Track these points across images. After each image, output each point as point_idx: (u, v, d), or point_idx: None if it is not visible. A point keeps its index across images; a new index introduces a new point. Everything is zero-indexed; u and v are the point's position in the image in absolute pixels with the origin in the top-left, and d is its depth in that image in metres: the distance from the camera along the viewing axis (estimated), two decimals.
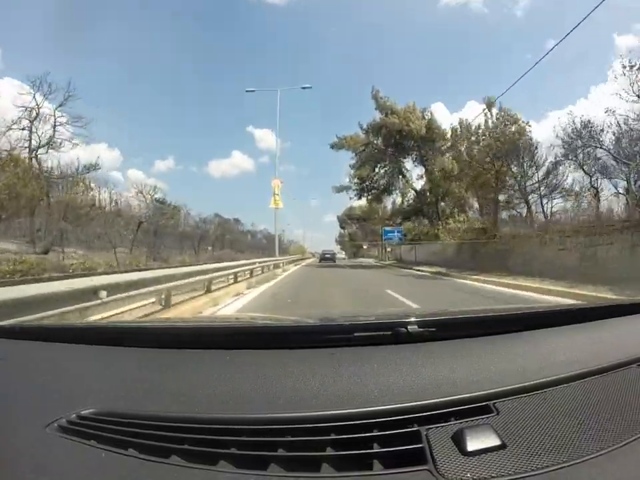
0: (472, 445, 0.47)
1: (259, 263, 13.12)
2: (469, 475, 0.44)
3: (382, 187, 26.40)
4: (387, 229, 31.63)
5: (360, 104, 49.87)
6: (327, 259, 30.58)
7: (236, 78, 79.19)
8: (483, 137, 16.58)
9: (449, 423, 0.52)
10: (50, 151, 20.05)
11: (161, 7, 68.26)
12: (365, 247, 53.29)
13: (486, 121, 17.54)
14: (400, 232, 30.51)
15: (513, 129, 15.86)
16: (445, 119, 56.02)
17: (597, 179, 15.41)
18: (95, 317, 3.40)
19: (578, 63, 55.20)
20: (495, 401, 0.56)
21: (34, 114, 19.47)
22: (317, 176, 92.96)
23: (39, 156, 19.71)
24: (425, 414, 0.53)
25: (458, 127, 21.53)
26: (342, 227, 67.18)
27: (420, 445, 0.48)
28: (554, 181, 16.59)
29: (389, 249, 34.24)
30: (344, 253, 60.56)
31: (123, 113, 62.95)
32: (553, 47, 18.48)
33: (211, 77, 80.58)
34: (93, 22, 60.52)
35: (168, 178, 61.01)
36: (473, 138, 17.57)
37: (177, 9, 71.31)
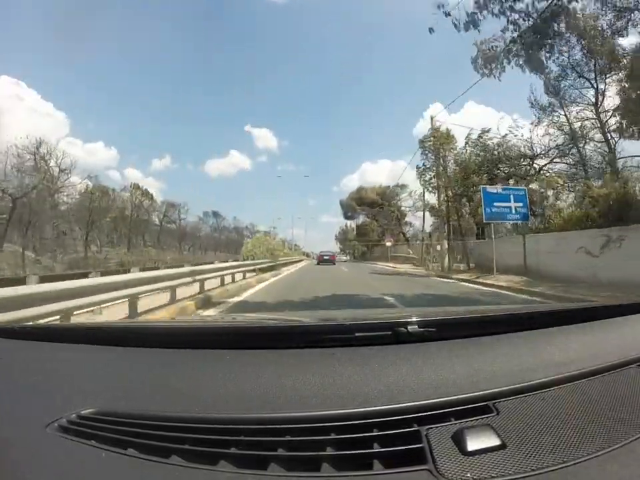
0: (472, 444, 0.47)
1: None
2: (469, 475, 0.44)
3: None
4: (491, 189, 13.01)
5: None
6: (325, 261, 28.73)
7: (234, 75, 77.19)
8: None
9: (449, 423, 0.52)
10: None
11: (160, 6, 68.11)
12: (388, 244, 32.44)
13: None
14: (523, 199, 12.40)
15: None
16: (443, 118, 47.49)
17: None
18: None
19: None
20: (495, 401, 0.56)
21: None
22: (316, 173, 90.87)
23: None
24: (425, 414, 0.53)
25: None
26: (347, 217, 47.57)
27: (420, 445, 0.48)
28: None
29: (437, 247, 18.41)
30: (345, 254, 44.62)
31: (121, 111, 64.05)
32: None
33: (208, 75, 78.39)
34: (93, 22, 60.13)
35: (165, 177, 60.83)
36: None
37: (176, 8, 70.30)
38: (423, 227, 23.82)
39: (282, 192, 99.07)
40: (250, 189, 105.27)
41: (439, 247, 18.30)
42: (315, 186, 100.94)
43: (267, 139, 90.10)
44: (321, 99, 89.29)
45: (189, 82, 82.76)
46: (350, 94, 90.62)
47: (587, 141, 14.79)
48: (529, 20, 8.58)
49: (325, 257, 30.00)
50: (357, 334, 0.75)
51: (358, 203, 42.33)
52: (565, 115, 15.79)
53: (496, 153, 15.14)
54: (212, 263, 14.20)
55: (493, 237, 13.33)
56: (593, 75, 14.91)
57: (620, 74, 13.64)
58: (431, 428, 0.51)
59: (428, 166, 18.16)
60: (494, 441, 0.48)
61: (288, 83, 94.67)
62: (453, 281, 12.37)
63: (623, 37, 13.04)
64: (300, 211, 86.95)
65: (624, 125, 13.49)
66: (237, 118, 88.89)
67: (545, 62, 12.91)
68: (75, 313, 4.01)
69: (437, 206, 19.24)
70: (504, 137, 14.75)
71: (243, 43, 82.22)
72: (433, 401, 0.55)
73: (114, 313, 5.21)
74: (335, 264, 27.92)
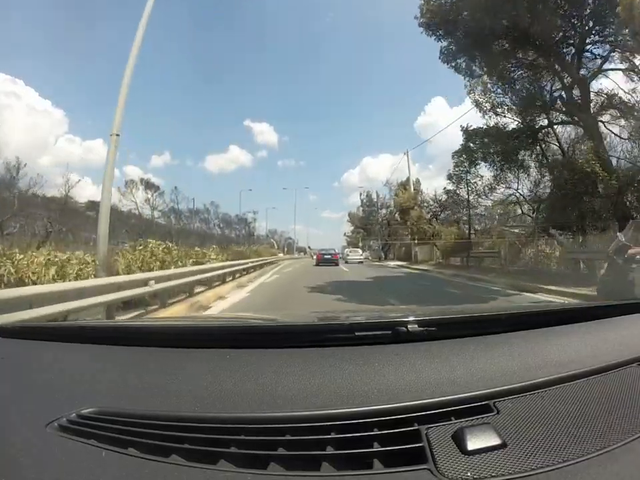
0: (472, 444, 0.47)
1: None
2: (469, 474, 0.44)
3: None
4: None
5: None
6: (327, 261, 26.34)
7: (234, 72, 75.58)
8: None
9: (449, 422, 0.52)
10: None
11: (158, 0, 58.50)
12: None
13: None
14: None
15: None
16: (445, 113, 53.78)
17: None
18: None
19: None
20: (495, 400, 0.56)
21: None
22: (316, 170, 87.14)
23: None
24: (425, 413, 0.53)
25: None
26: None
27: (420, 444, 0.48)
28: None
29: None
30: (360, 250, 31.32)
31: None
32: None
33: (208, 71, 77.65)
34: (92, 19, 58.89)
35: (165, 173, 60.54)
36: None
37: (174, 2, 65.43)
38: None
39: (281, 187, 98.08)
40: (250, 185, 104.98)
41: None
42: (315, 182, 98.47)
43: (267, 134, 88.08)
44: (320, 96, 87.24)
45: (188, 78, 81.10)
46: (350, 88, 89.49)
47: None
48: None
49: (326, 257, 27.50)
50: (357, 333, 0.75)
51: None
52: None
53: None
54: None
55: None
56: None
57: None
58: (431, 427, 0.50)
59: None
60: (494, 440, 0.48)
61: (288, 79, 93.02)
62: None
63: None
64: (300, 208, 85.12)
65: None
66: (236, 112, 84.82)
67: None
68: None
69: None
70: None
71: (243, 37, 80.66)
72: (433, 400, 0.55)
73: None
74: (338, 264, 25.16)
